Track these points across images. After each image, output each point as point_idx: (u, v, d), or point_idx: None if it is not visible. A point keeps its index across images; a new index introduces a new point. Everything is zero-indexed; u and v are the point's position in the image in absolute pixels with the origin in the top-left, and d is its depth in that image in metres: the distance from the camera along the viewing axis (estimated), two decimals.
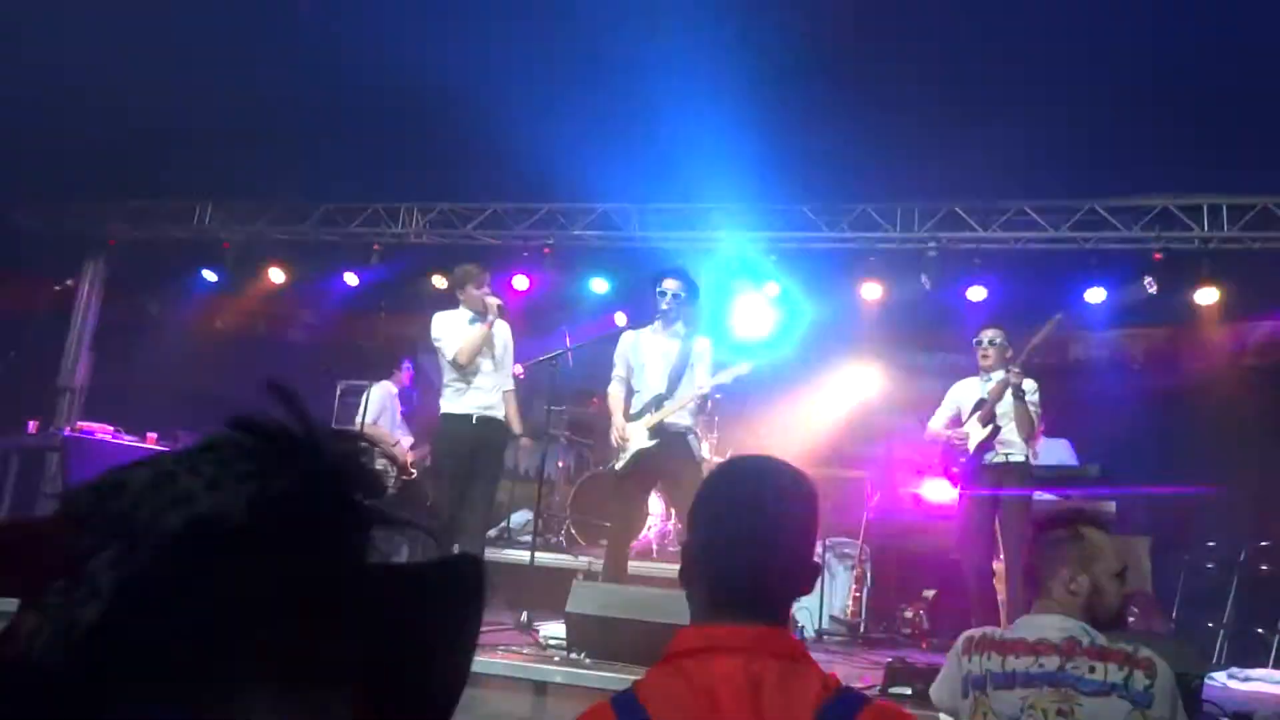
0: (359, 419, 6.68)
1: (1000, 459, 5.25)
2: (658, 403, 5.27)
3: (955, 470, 5.44)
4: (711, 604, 1.38)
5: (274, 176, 8.13)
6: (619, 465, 5.36)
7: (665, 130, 6.89)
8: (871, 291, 7.71)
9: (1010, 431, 5.25)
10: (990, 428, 5.27)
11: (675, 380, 5.30)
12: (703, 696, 1.26)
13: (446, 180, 8.14)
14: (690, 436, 5.30)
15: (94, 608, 0.55)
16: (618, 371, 5.51)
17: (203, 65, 6.53)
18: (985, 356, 5.42)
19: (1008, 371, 5.22)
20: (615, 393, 5.50)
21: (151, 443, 8.03)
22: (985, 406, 5.31)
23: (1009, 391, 5.20)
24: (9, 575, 0.58)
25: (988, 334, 5.48)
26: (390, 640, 0.63)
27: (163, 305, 9.83)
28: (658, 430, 5.21)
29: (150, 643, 0.55)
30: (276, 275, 8.82)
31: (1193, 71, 5.60)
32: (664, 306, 5.34)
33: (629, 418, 5.37)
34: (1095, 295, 7.21)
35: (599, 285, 8.25)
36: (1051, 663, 2.13)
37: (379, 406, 7.01)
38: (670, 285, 5.35)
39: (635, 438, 5.27)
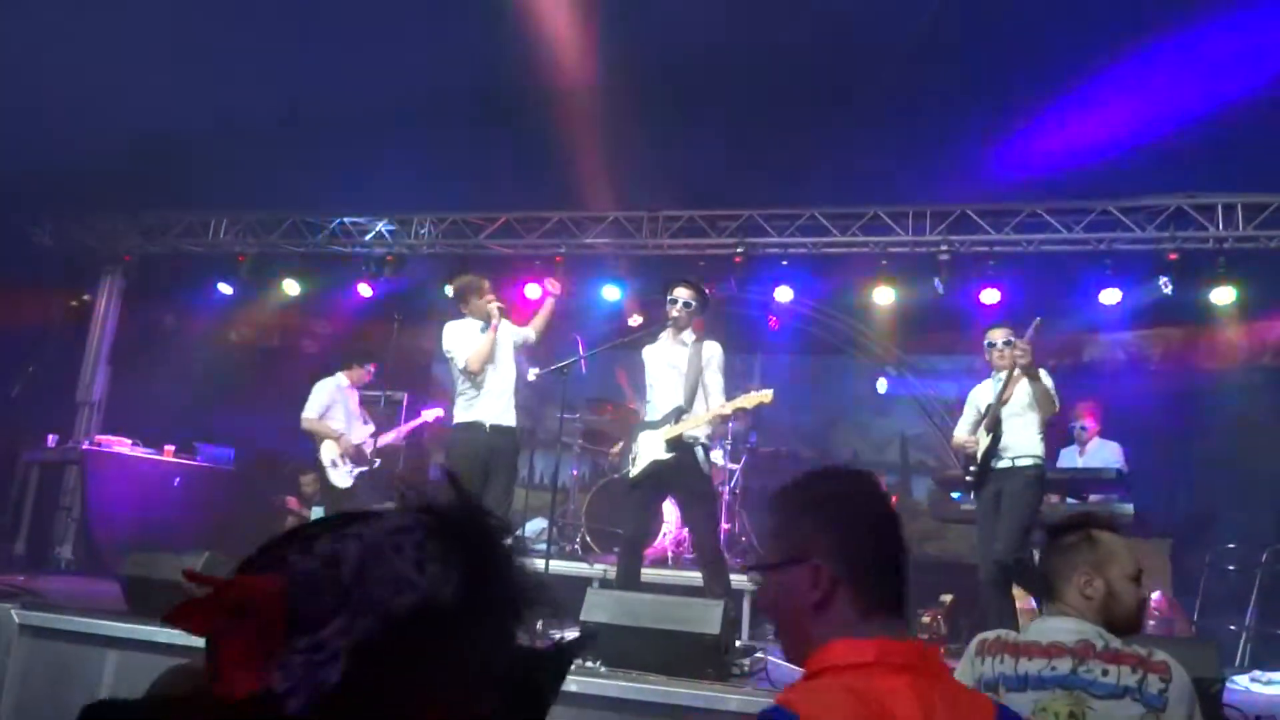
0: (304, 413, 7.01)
1: (1006, 463, 5.22)
2: (678, 415, 5.25)
3: (969, 479, 5.43)
4: (862, 616, 1.35)
5: (287, 189, 8.19)
6: (632, 473, 5.34)
7: (676, 136, 6.90)
8: (884, 296, 7.69)
9: (1011, 435, 5.20)
10: (991, 436, 5.24)
11: (690, 390, 5.29)
12: (875, 711, 1.22)
13: (456, 190, 8.18)
14: (698, 448, 5.27)
15: (335, 669, 0.65)
16: (641, 385, 5.70)
17: (215, 79, 6.58)
18: (1002, 356, 5.35)
19: (1016, 349, 5.06)
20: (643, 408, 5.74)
21: (169, 455, 8.10)
22: (990, 413, 5.29)
23: (1017, 387, 5.15)
24: (234, 624, 0.67)
25: (999, 335, 5.41)
26: (527, 707, 0.78)
27: (179, 318, 9.91)
28: (675, 443, 5.21)
29: (383, 703, 0.67)
30: (291, 287, 8.88)
31: (1203, 69, 5.57)
32: (674, 314, 5.36)
33: (646, 427, 5.37)
34: (1110, 297, 7.17)
35: (611, 293, 8.26)
36: (1064, 665, 2.11)
37: (327, 400, 7.09)
38: (681, 293, 5.38)
39: (652, 448, 5.25)
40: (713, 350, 5.38)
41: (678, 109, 6.68)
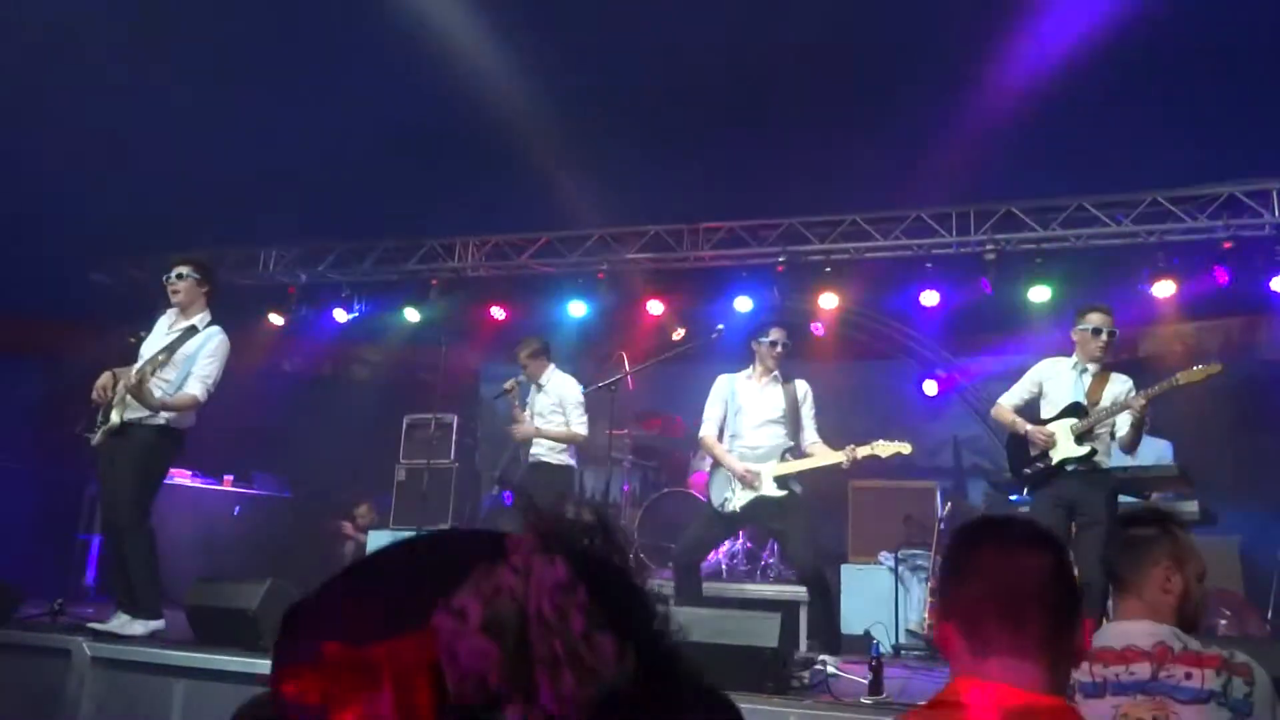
0: None
1: (1085, 467, 4.74)
2: (784, 454, 5.24)
3: (1028, 471, 4.94)
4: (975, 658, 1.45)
5: (331, 219, 8.33)
6: (729, 507, 5.23)
7: (711, 147, 6.90)
8: (930, 298, 7.59)
9: (1102, 450, 4.74)
10: (1088, 449, 4.70)
11: (794, 430, 5.30)
12: None
13: (499, 212, 8.26)
14: (797, 484, 5.28)
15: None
16: (714, 413, 5.42)
17: (257, 113, 6.73)
18: (1102, 348, 4.77)
19: (1133, 400, 4.59)
20: (711, 436, 5.41)
21: (228, 485, 8.26)
22: (1086, 424, 4.70)
23: (1127, 419, 4.61)
24: (362, 693, 0.62)
25: (1106, 322, 4.77)
26: None
27: (232, 350, 10.08)
28: (784, 481, 5.20)
29: None
30: (340, 315, 9.02)
31: (1250, 46, 5.43)
32: (773, 355, 5.31)
33: (750, 459, 5.26)
34: (1164, 289, 7.01)
35: (655, 307, 8.27)
36: (1143, 670, 2.05)
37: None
38: (777, 334, 5.35)
39: (764, 484, 5.20)
40: (806, 389, 5.39)
41: (711, 119, 6.68)
